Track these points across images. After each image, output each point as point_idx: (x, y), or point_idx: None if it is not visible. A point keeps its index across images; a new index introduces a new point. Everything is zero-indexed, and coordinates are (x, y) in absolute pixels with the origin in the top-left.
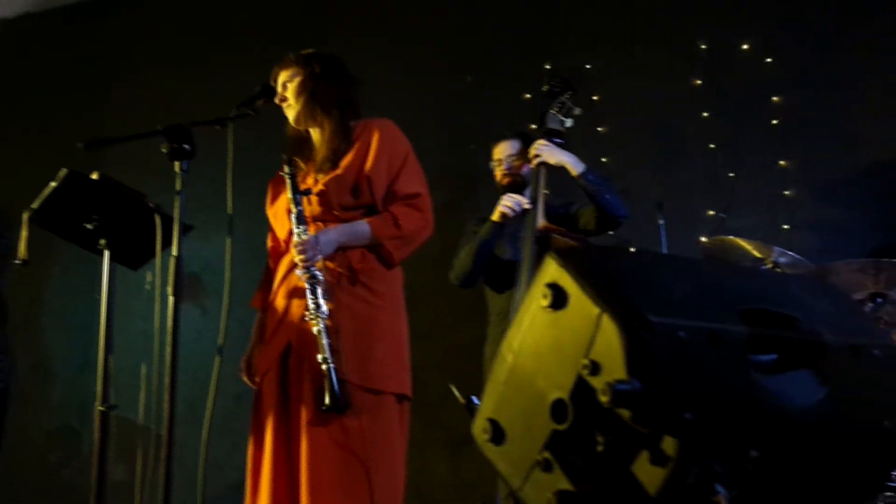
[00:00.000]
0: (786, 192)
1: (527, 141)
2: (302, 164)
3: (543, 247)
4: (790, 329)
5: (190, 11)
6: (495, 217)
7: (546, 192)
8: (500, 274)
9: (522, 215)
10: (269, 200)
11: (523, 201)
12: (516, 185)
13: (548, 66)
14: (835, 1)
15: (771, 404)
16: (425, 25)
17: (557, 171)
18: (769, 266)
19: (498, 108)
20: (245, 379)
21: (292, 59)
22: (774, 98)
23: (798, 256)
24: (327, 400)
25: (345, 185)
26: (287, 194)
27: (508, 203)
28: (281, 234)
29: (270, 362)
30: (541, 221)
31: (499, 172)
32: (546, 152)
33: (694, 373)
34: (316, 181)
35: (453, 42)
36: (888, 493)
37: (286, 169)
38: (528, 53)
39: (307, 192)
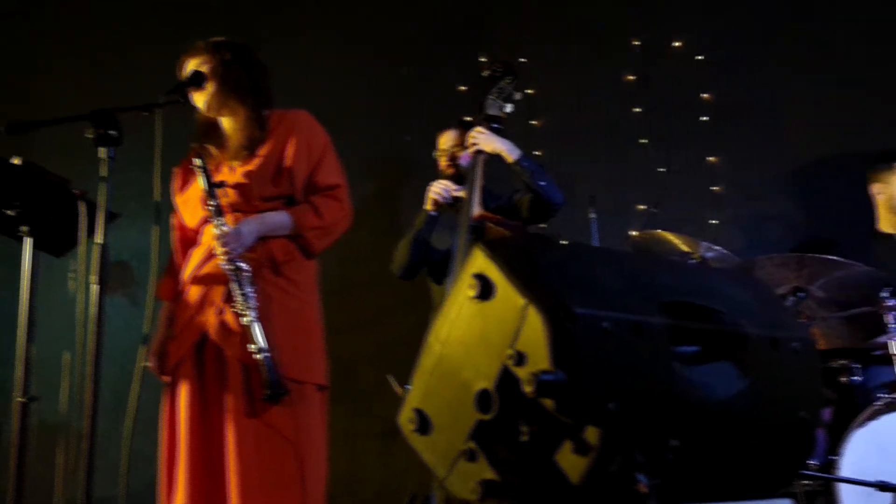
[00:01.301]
0: (714, 188)
1: (469, 130)
2: (214, 152)
3: (479, 236)
4: (713, 321)
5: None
6: (427, 206)
7: (481, 182)
8: (439, 264)
9: (458, 203)
10: (177, 187)
11: (451, 187)
12: (461, 176)
13: (483, 59)
14: (762, 5)
15: (692, 395)
16: (362, 17)
17: (501, 162)
18: (696, 260)
19: (433, 99)
20: (153, 370)
21: (202, 45)
22: (704, 95)
23: (724, 251)
24: (266, 390)
25: (265, 175)
26: (200, 185)
27: (437, 189)
28: (191, 222)
29: (184, 353)
30: (476, 210)
31: (443, 162)
32: (482, 139)
33: (618, 364)
34: (232, 169)
35: (389, 33)
36: (805, 482)
37: (197, 161)
38: (463, 46)
39: (222, 185)
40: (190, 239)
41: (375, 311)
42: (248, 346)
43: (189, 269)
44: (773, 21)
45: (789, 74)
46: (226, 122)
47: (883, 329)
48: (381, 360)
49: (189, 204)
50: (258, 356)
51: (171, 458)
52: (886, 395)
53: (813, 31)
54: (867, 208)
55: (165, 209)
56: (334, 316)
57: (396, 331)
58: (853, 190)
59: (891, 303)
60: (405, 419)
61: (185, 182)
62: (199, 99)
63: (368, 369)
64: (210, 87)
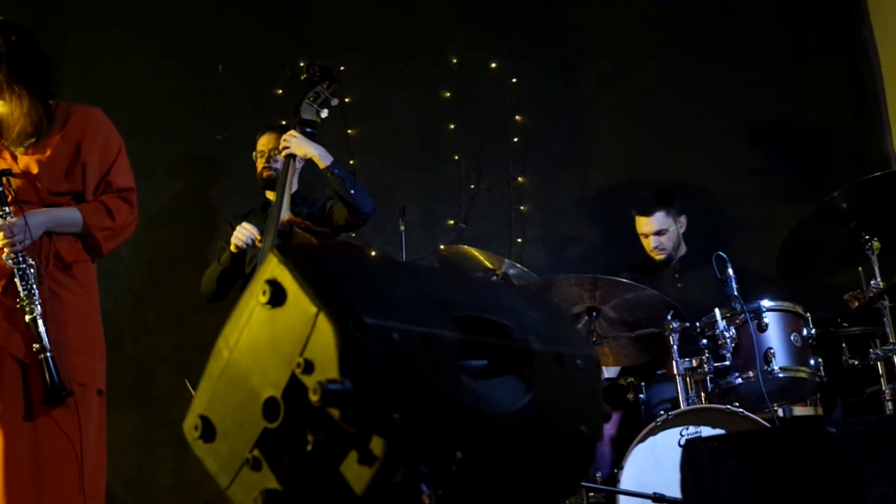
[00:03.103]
0: (521, 208)
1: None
2: None
3: (286, 240)
4: (501, 336)
5: None
6: (231, 248)
7: (293, 186)
8: (251, 276)
9: (268, 208)
10: None
11: (256, 235)
12: (275, 180)
13: (302, 63)
14: (574, 37)
15: (478, 407)
16: (178, 11)
17: (316, 171)
18: (499, 276)
19: (248, 101)
20: None
21: None
22: (517, 117)
23: (525, 269)
24: (46, 390)
25: (58, 169)
26: None
27: (241, 236)
28: None
29: None
30: (285, 214)
31: (260, 164)
32: (294, 143)
33: (405, 375)
34: (14, 156)
35: (205, 31)
36: (590, 494)
37: None
38: (283, 50)
39: (7, 173)
40: None
41: (177, 313)
42: (31, 344)
43: None
44: (583, 55)
45: (593, 105)
46: (4, 107)
47: (667, 349)
48: (176, 363)
49: None
50: (41, 355)
51: None
52: (665, 413)
53: (614, 71)
54: None
55: None
56: (135, 317)
57: (196, 334)
58: None
59: (674, 325)
60: (189, 426)
61: None
62: None
63: (163, 373)
64: None
